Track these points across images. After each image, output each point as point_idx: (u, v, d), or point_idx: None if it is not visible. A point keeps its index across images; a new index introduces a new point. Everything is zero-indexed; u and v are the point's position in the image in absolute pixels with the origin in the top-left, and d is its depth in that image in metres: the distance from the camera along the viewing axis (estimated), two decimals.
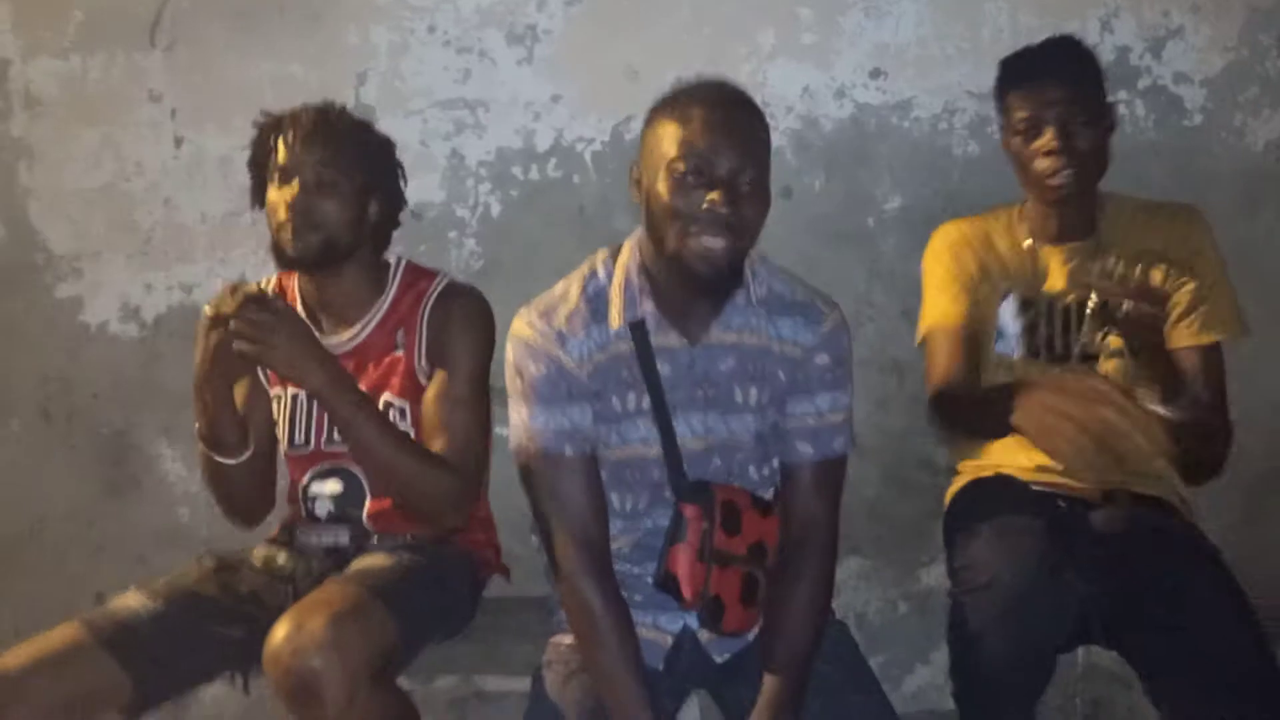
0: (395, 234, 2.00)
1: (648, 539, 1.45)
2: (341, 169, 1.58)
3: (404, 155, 2.00)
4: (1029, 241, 1.71)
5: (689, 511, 1.36)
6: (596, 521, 1.38)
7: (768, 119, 1.87)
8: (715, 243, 1.26)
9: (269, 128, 1.60)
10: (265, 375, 1.70)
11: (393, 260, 1.73)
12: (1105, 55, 1.95)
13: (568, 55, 2.07)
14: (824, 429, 1.41)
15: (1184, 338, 1.65)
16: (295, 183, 1.55)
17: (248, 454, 1.61)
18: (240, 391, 1.67)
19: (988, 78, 1.90)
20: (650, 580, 1.41)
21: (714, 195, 1.25)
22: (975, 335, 1.69)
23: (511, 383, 1.40)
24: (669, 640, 1.44)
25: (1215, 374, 1.65)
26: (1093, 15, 2.03)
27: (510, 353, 1.40)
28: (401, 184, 1.70)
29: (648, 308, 1.36)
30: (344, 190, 1.58)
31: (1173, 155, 2.05)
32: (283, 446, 1.69)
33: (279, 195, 1.57)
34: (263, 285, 1.72)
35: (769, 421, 1.43)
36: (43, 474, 2.19)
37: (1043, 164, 1.59)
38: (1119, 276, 1.52)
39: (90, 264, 2.15)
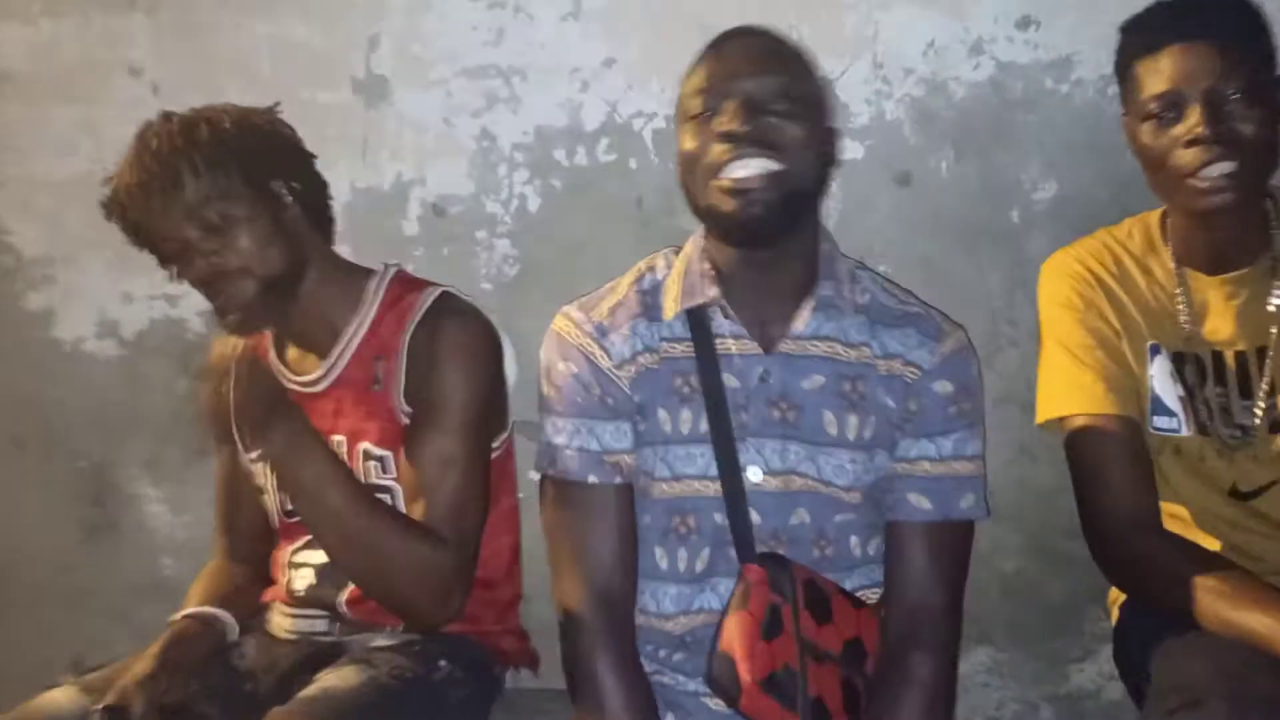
0: (411, 236, 1.80)
1: (706, 629, 1.16)
2: (223, 194, 1.28)
3: (424, 136, 1.79)
4: (1172, 266, 1.28)
5: (753, 574, 1.13)
6: (620, 573, 1.18)
7: (881, 83, 1.68)
8: (743, 169, 1.08)
9: (116, 208, 1.33)
10: (243, 440, 1.44)
11: (380, 268, 1.44)
12: None
13: (625, 6, 1.72)
14: (947, 480, 1.18)
15: None
16: (188, 252, 1.29)
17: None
18: (218, 482, 1.51)
19: None
20: (707, 700, 1.17)
21: (726, 112, 1.09)
22: (1140, 426, 1.28)
23: (541, 389, 1.25)
24: None
25: None
26: None
27: (543, 353, 1.25)
28: (299, 142, 1.41)
29: (711, 293, 1.16)
30: (243, 214, 1.29)
31: None
32: (274, 515, 1.44)
33: (183, 273, 1.32)
34: None
35: (878, 471, 1.18)
36: (16, 510, 1.96)
37: (1184, 157, 1.18)
38: None
39: (64, 270, 1.90)
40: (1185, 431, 1.26)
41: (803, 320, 1.16)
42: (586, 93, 1.74)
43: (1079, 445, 1.28)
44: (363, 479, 1.33)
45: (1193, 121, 1.16)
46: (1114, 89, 1.59)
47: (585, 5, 1.72)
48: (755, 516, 1.16)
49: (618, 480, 1.18)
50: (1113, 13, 1.54)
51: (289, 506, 1.40)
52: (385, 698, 1.20)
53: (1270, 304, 1.23)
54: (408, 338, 1.34)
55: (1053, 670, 1.76)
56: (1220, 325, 1.26)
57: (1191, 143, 1.16)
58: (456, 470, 1.27)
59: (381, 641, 1.34)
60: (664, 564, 1.20)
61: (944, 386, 1.18)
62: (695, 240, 1.23)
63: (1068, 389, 1.29)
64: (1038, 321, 1.66)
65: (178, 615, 1.39)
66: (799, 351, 1.17)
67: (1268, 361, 1.22)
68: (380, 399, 1.34)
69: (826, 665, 1.13)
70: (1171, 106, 1.18)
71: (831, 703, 1.12)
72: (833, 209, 1.70)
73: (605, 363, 1.19)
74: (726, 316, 1.17)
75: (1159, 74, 1.19)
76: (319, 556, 1.39)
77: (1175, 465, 1.29)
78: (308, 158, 1.40)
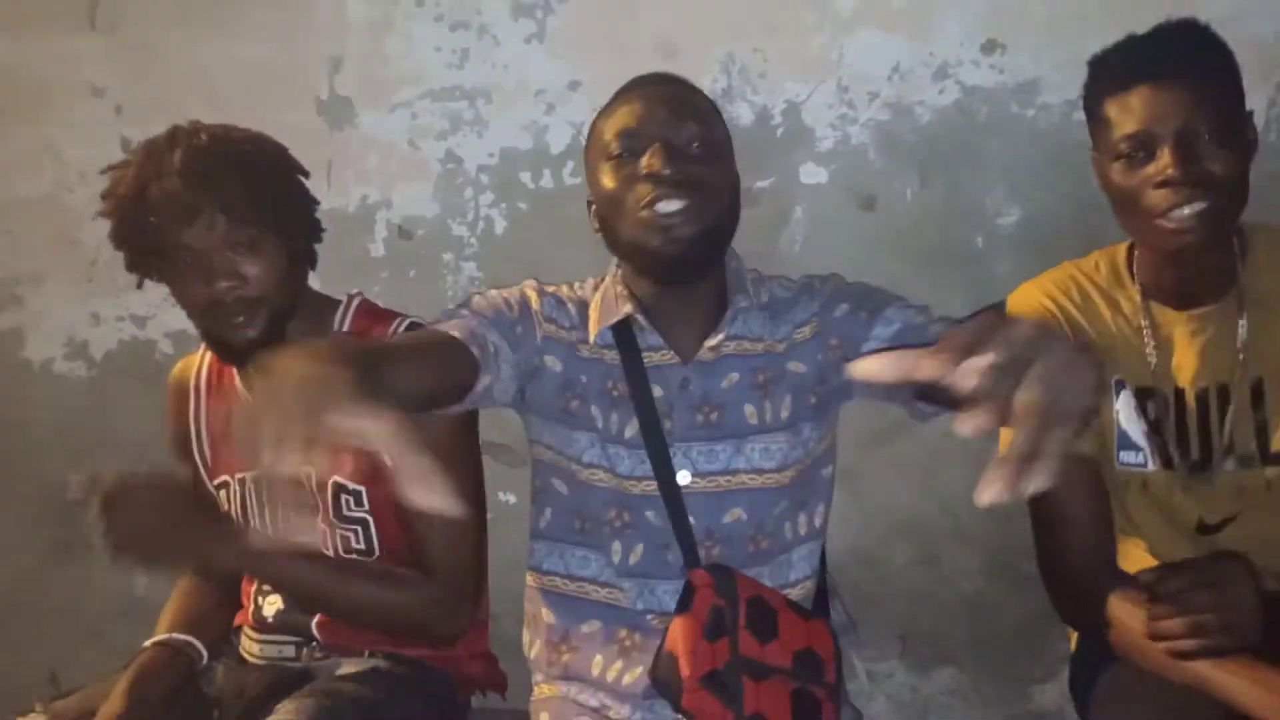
0: (377, 259, 1.79)
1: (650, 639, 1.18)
2: (252, 220, 1.25)
3: (389, 158, 1.77)
4: (1138, 300, 1.26)
5: (699, 578, 1.16)
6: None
7: (845, 107, 1.67)
8: (669, 204, 1.12)
9: (133, 209, 1.26)
10: (205, 464, 1.45)
11: (343, 298, 1.42)
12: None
13: (589, 29, 1.70)
14: (906, 333, 1.15)
15: None
16: (212, 270, 1.24)
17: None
18: None
19: None
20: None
21: (649, 155, 1.13)
22: (1100, 464, 1.27)
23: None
24: None
25: None
26: None
27: None
28: (302, 180, 1.38)
29: (625, 309, 1.21)
30: (266, 244, 1.27)
31: None
32: None
33: (197, 289, 1.26)
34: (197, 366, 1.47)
35: (806, 445, 1.22)
36: None
37: (1155, 197, 1.15)
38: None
39: (32, 290, 1.89)
40: (1151, 466, 1.25)
41: (720, 335, 1.21)
42: (552, 115, 1.72)
43: None
44: (333, 511, 1.34)
45: (1164, 162, 1.14)
46: (1079, 114, 1.55)
47: (550, 27, 1.69)
48: (690, 519, 1.20)
49: (471, 348, 1.11)
50: (1078, 37, 1.53)
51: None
52: None
53: (1237, 337, 1.22)
54: None
55: (1015, 691, 1.75)
56: (1185, 360, 1.24)
57: (1163, 184, 1.14)
58: None
59: (348, 668, 1.34)
60: (602, 553, 1.22)
61: (840, 309, 1.21)
62: (612, 269, 1.28)
63: None
64: None
65: (149, 643, 1.39)
66: (714, 357, 1.21)
67: (1231, 397, 1.22)
68: None
69: (773, 680, 1.13)
70: (1142, 146, 1.16)
71: (777, 717, 1.13)
72: (797, 233, 1.68)
73: (535, 305, 1.23)
74: (645, 330, 1.22)
75: (1130, 113, 1.16)
76: None
77: (1141, 501, 1.28)
78: (306, 190, 1.38)
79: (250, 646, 1.41)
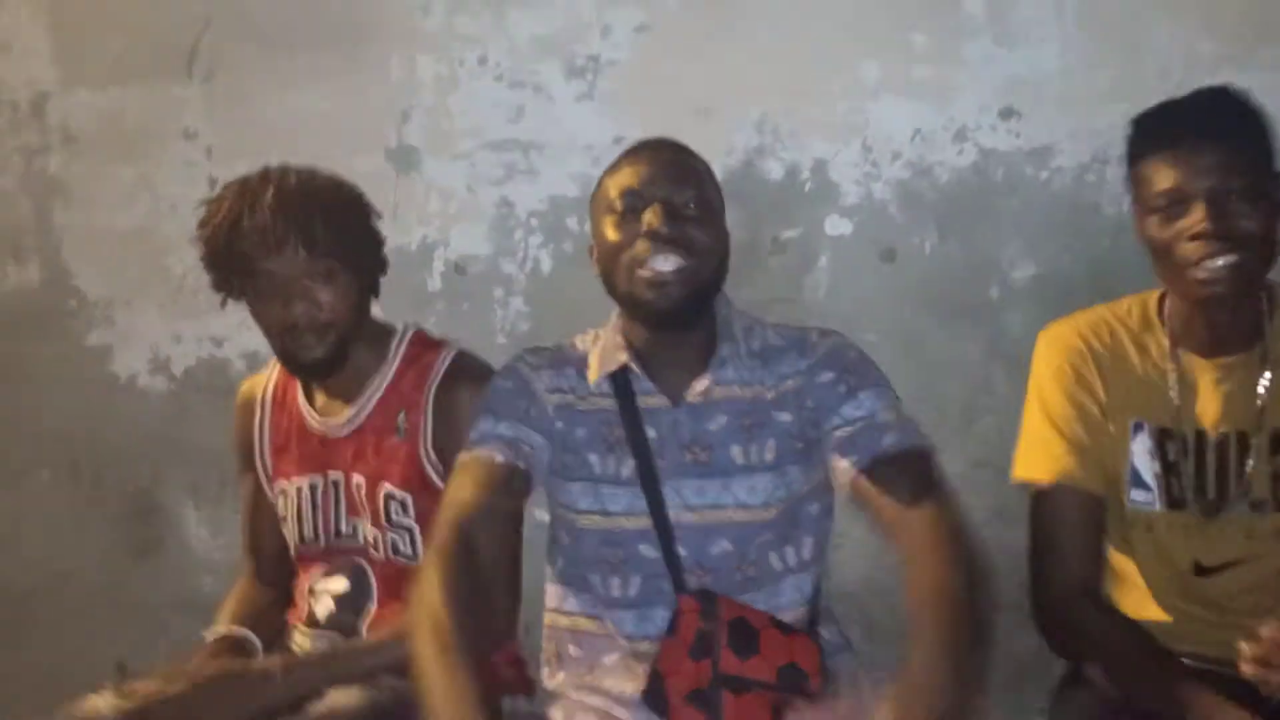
0: (435, 292, 1.92)
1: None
2: (330, 253, 1.38)
3: (448, 202, 1.91)
4: (1166, 345, 1.32)
5: (685, 604, 1.23)
6: (476, 513, 1.21)
7: (869, 166, 1.76)
8: (663, 264, 1.21)
9: (222, 228, 1.39)
10: (266, 471, 1.56)
11: (399, 326, 1.54)
12: None
13: (633, 90, 1.82)
14: (863, 432, 1.23)
15: None
16: (290, 295, 1.37)
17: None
18: (244, 509, 1.59)
19: None
20: None
21: (650, 214, 1.22)
22: (1104, 501, 1.33)
23: (481, 407, 1.34)
24: None
25: None
26: None
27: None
28: (375, 221, 1.50)
29: (620, 359, 1.29)
30: (340, 275, 1.40)
31: None
32: (293, 545, 1.54)
33: (275, 311, 1.39)
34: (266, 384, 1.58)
35: (790, 486, 1.27)
36: (69, 529, 2.11)
37: (1188, 249, 1.22)
38: None
39: (122, 311, 2.06)
40: (1157, 507, 1.30)
41: (705, 381, 1.27)
42: (597, 167, 1.70)
43: (1039, 510, 1.35)
44: (384, 517, 1.45)
45: (1196, 217, 1.20)
46: (1090, 176, 1.70)
47: (599, 88, 1.82)
48: (680, 550, 1.26)
49: (518, 465, 1.25)
50: (1090, 107, 1.67)
51: (308, 537, 1.51)
52: (383, 716, 1.32)
53: (1259, 388, 1.27)
54: (431, 395, 1.45)
55: (1018, 717, 1.77)
56: (1208, 407, 1.29)
57: (1195, 237, 1.20)
58: None
59: None
60: (600, 590, 1.29)
61: (825, 376, 1.27)
62: (614, 318, 1.35)
63: (1041, 455, 1.34)
64: (1013, 392, 1.64)
65: (209, 635, 1.49)
66: (703, 401, 1.28)
67: (1251, 445, 1.27)
68: (402, 447, 1.45)
69: (754, 694, 1.19)
70: (1177, 202, 1.22)
71: None
72: (821, 280, 1.78)
73: (538, 388, 1.31)
74: (639, 376, 1.29)
75: (1165, 171, 1.22)
76: (338, 585, 1.49)
77: (1144, 539, 1.33)
78: (378, 231, 1.51)
79: (302, 642, 1.50)
